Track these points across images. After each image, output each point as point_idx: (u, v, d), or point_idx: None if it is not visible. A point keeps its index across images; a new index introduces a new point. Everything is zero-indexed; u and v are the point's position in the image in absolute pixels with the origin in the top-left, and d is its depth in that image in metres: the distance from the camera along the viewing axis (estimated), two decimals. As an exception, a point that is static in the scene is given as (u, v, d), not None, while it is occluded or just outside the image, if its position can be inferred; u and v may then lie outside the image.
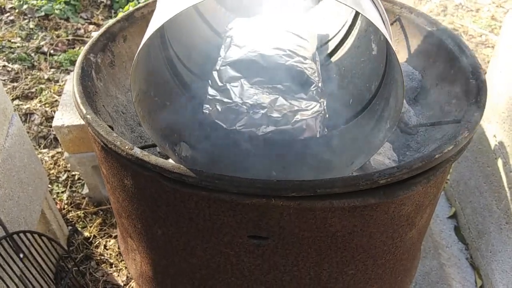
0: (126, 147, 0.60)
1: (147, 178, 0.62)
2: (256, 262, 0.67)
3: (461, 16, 3.46)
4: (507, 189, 1.38)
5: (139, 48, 0.52)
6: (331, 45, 0.90)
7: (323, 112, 0.74)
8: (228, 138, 0.73)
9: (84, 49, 0.80)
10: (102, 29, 0.86)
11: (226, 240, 0.65)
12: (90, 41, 0.83)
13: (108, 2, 3.07)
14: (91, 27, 2.91)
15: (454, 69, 0.84)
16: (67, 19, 2.90)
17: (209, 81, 0.78)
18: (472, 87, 0.76)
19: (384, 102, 0.66)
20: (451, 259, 1.56)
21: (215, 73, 0.79)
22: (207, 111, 0.74)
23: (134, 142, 0.82)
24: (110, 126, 0.66)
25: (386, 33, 0.49)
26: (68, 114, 1.71)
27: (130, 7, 2.98)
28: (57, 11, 2.87)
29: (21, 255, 1.34)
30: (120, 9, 3.01)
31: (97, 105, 0.75)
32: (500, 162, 1.42)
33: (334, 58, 0.88)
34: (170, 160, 0.71)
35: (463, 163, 1.65)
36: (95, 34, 2.79)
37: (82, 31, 2.85)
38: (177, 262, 0.73)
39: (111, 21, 0.88)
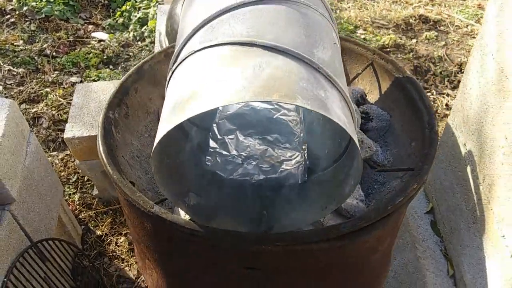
0: (147, 206, 0.76)
1: (164, 228, 0.79)
2: (252, 286, 0.85)
3: (449, 5, 3.56)
4: (474, 193, 1.55)
5: (154, 147, 0.68)
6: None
7: (303, 161, 0.90)
8: (227, 185, 0.90)
9: (104, 108, 0.96)
10: (117, 86, 1.01)
11: (228, 271, 0.83)
12: (108, 99, 0.98)
13: (106, 2, 3.16)
14: (90, 27, 3.02)
15: (415, 115, 0.99)
16: (67, 20, 3.01)
17: (210, 133, 0.94)
18: (426, 136, 0.92)
19: (350, 162, 0.82)
20: (426, 251, 1.75)
21: (214, 126, 0.95)
22: (209, 163, 0.90)
23: (148, 183, 0.98)
24: (132, 182, 0.83)
25: (351, 132, 0.65)
26: (78, 126, 1.86)
27: (127, 7, 3.07)
28: (57, 12, 2.97)
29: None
30: (118, 8, 3.10)
31: (118, 158, 0.91)
32: (469, 169, 1.59)
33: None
34: (181, 212, 0.88)
35: (439, 164, 1.82)
36: (95, 35, 2.88)
37: (82, 31, 2.96)
38: (188, 285, 0.91)
39: (124, 77, 1.03)
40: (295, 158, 0.91)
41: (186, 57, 0.74)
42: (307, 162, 0.92)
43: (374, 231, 0.78)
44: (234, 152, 0.91)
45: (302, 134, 0.94)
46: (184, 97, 0.66)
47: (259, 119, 0.96)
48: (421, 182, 0.82)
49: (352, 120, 0.71)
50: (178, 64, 0.76)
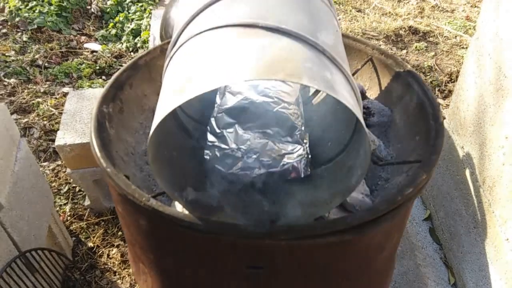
0: (143, 199, 0.72)
1: (160, 223, 0.75)
2: (253, 286, 0.80)
3: (437, 18, 3.60)
4: (474, 197, 1.53)
5: (151, 130, 0.64)
6: (312, 89, 1.03)
7: (306, 155, 0.87)
8: (226, 180, 0.86)
9: (97, 101, 0.92)
10: (111, 80, 0.98)
11: (227, 270, 0.78)
12: (102, 93, 0.94)
13: (99, 13, 3.14)
14: (83, 38, 3.00)
15: (418, 109, 0.97)
16: (59, 31, 2.98)
17: (208, 127, 0.91)
18: (431, 129, 0.89)
19: (355, 152, 0.79)
20: (426, 259, 1.71)
21: (212, 120, 0.92)
22: (208, 157, 0.86)
23: (143, 181, 0.94)
24: (126, 176, 0.79)
25: (358, 115, 0.62)
26: (69, 133, 1.82)
27: (120, 18, 3.06)
28: (49, 23, 2.94)
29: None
30: (111, 20, 3.09)
31: (112, 153, 0.87)
32: (467, 172, 1.57)
33: (316, 101, 1.01)
34: (177, 204, 0.84)
35: (436, 170, 1.79)
36: (88, 46, 2.86)
37: (74, 42, 2.93)
38: (186, 286, 0.87)
39: (118, 71, 1.00)
40: (297, 151, 0.87)
41: (186, 41, 0.71)
42: (310, 156, 0.88)
43: (383, 224, 0.74)
44: (233, 146, 0.87)
45: (303, 128, 0.91)
46: (185, 79, 0.63)
47: (259, 112, 0.93)
48: (430, 173, 0.79)
49: (358, 104, 0.69)
50: (178, 49, 0.73)
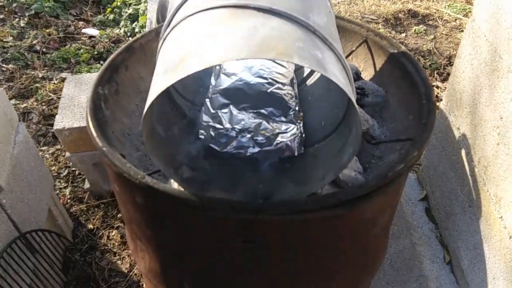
0: (139, 176, 0.74)
1: (156, 199, 0.76)
2: (246, 259, 0.83)
3: (437, 0, 3.57)
4: (469, 176, 1.55)
5: (145, 108, 0.65)
6: (306, 70, 1.04)
7: (299, 134, 0.88)
8: (221, 158, 0.88)
9: (93, 84, 0.93)
10: (106, 62, 0.99)
11: (221, 244, 0.80)
12: (97, 75, 0.95)
13: (96, -2, 3.13)
14: (80, 23, 2.99)
15: (411, 88, 0.98)
16: (57, 17, 2.97)
17: (203, 107, 0.92)
18: (424, 107, 0.90)
19: (348, 130, 0.80)
20: (422, 238, 1.74)
21: (207, 101, 0.93)
22: (202, 137, 0.88)
23: (139, 161, 0.96)
24: (122, 155, 0.80)
25: (349, 92, 0.63)
26: (68, 117, 1.83)
27: (118, 3, 3.05)
28: (47, 9, 2.93)
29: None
30: (109, 5, 3.07)
31: (108, 133, 0.88)
32: (463, 152, 1.58)
33: (309, 82, 1.02)
34: (172, 181, 0.85)
35: (433, 151, 1.81)
36: (86, 31, 2.85)
37: (72, 28, 2.92)
38: (182, 260, 0.89)
39: (114, 54, 1.01)
40: (290, 130, 0.89)
41: (179, 22, 0.72)
42: (303, 135, 0.90)
43: (374, 200, 0.76)
44: (228, 126, 0.89)
45: (297, 108, 0.93)
46: (178, 59, 0.64)
47: (253, 93, 0.94)
48: (421, 150, 0.80)
49: (350, 82, 0.70)
50: (171, 30, 0.74)
